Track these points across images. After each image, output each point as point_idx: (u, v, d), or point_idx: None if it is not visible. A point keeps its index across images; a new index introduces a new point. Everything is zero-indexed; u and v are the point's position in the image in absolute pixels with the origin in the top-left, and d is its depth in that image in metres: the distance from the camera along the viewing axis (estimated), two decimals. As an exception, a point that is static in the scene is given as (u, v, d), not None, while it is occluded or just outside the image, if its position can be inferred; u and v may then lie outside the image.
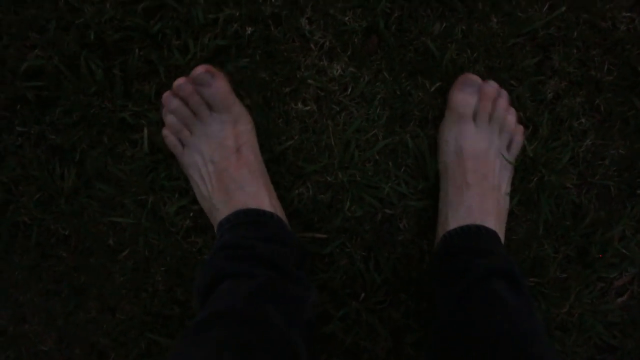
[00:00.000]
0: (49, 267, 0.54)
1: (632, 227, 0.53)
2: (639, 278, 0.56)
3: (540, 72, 0.52)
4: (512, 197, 0.52)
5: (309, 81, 0.50)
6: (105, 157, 0.51)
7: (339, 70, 0.50)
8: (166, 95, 0.46)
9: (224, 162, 0.45)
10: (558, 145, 0.52)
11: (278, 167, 0.51)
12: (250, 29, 0.49)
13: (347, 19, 0.50)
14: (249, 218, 0.43)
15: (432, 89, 0.51)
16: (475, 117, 0.49)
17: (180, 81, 0.45)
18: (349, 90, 0.51)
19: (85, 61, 0.49)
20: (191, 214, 0.51)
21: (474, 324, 0.39)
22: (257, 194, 0.45)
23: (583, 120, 0.52)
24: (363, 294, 0.53)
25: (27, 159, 0.52)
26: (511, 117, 0.50)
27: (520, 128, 0.51)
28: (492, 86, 0.49)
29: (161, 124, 0.50)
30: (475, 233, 0.46)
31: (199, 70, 0.44)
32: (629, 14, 0.52)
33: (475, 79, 0.49)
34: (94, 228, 0.52)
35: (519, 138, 0.51)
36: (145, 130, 0.49)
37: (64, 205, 0.52)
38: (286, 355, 0.33)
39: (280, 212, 0.47)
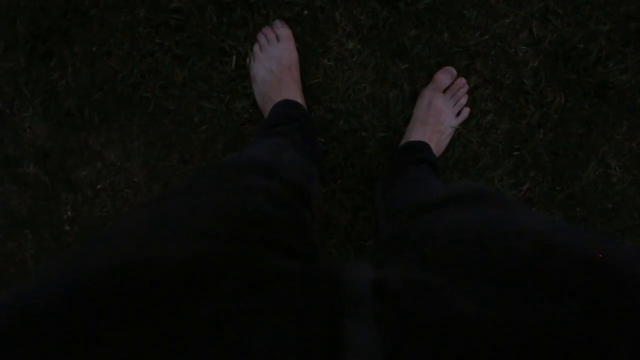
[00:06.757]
0: (154, 127, 0.88)
1: (507, 173, 0.88)
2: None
3: (466, 74, 0.88)
4: (449, 146, 0.86)
5: (334, 48, 0.86)
6: (207, 68, 0.85)
7: (351, 45, 0.86)
8: (259, 33, 0.82)
9: (280, 73, 0.79)
10: (472, 117, 0.88)
11: (305, 93, 0.86)
12: (306, 11, 0.85)
13: (362, 17, 0.85)
14: (290, 104, 0.77)
15: (402, 67, 0.86)
16: (445, 91, 0.84)
17: (266, 26, 0.81)
18: (355, 58, 0.86)
19: (209, 10, 0.84)
20: (250, 111, 0.86)
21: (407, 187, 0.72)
22: (296, 94, 0.79)
23: (489, 103, 0.88)
24: (340, 180, 0.87)
25: (158, 60, 0.86)
26: (464, 99, 0.85)
27: (467, 108, 0.86)
28: (461, 79, 0.84)
29: (244, 55, 0.84)
30: (420, 143, 0.79)
31: (278, 19, 0.80)
32: (524, 49, 0.88)
33: (453, 71, 0.84)
34: (189, 108, 0.86)
35: (465, 113, 0.86)
36: (234, 57, 0.84)
37: (175, 90, 0.86)
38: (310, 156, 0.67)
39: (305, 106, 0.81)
